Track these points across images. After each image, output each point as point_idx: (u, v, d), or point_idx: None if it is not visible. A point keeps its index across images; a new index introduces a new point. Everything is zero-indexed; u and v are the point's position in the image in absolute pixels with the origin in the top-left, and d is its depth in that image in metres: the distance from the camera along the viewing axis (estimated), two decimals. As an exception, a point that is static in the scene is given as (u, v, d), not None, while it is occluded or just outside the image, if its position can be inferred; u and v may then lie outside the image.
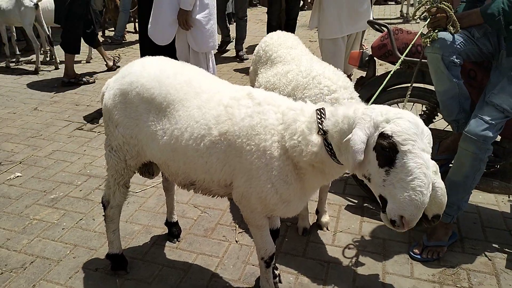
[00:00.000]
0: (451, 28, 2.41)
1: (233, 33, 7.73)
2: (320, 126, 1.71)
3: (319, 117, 1.73)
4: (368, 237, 2.80)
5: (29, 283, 2.43)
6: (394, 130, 1.46)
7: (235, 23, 7.59)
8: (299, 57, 2.73)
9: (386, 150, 1.48)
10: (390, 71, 2.98)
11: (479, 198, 3.15)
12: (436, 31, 2.45)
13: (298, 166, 1.82)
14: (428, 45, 2.45)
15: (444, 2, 2.41)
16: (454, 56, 2.43)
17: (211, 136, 1.89)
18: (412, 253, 2.62)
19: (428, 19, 2.51)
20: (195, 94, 2.00)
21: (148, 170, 2.41)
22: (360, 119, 1.54)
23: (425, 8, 2.51)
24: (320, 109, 1.77)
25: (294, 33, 3.58)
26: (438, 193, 1.89)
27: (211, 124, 1.90)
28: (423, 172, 1.45)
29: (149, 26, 3.80)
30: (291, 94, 2.50)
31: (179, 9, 3.65)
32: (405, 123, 1.48)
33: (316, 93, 2.34)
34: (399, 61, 2.55)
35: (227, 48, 7.96)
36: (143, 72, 2.09)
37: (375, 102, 2.43)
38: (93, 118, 4.82)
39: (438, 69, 2.49)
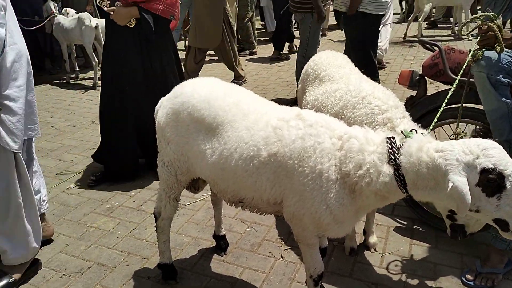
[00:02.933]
0: (498, 47, 2.36)
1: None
2: (392, 157, 1.72)
3: (390, 147, 1.75)
4: (418, 260, 2.74)
5: (86, 287, 2.57)
6: (493, 161, 1.54)
7: None
8: (348, 76, 2.75)
9: (495, 181, 1.55)
10: (442, 90, 2.95)
11: (538, 224, 2.99)
12: (484, 49, 2.41)
13: (356, 192, 1.82)
14: (472, 64, 2.42)
15: (494, 21, 2.37)
16: (501, 75, 2.38)
17: (260, 157, 1.92)
18: (464, 279, 2.52)
19: (478, 37, 2.47)
20: (243, 116, 2.04)
21: (194, 185, 2.49)
22: (448, 165, 1.57)
23: (476, 25, 2.47)
24: (390, 138, 1.78)
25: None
26: None
27: (260, 145, 1.93)
28: None
29: None
30: (340, 112, 2.52)
31: None
32: (494, 151, 1.56)
33: (367, 113, 2.36)
34: (456, 81, 2.51)
35: None
36: (194, 93, 2.17)
37: (427, 123, 2.42)
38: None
39: (485, 88, 2.44)
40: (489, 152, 1.55)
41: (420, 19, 9.75)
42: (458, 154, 1.57)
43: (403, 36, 10.02)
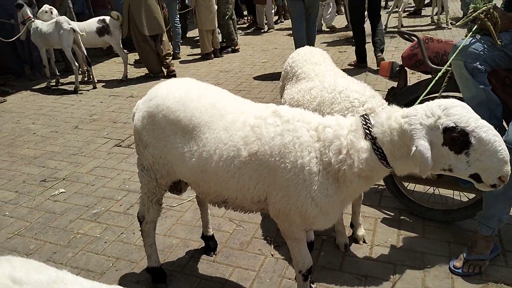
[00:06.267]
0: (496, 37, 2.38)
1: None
2: (368, 132, 1.76)
3: (364, 123, 1.78)
4: (406, 250, 2.76)
5: (75, 295, 2.54)
6: (454, 120, 1.59)
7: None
8: (323, 73, 2.77)
9: (458, 139, 1.59)
10: (422, 80, 2.97)
11: (521, 209, 3.05)
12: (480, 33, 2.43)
13: (340, 179, 1.84)
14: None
15: (496, 9, 2.39)
16: (478, 63, 2.41)
17: (241, 157, 1.92)
18: (452, 267, 2.56)
19: (478, 23, 2.48)
20: (220, 116, 2.02)
21: (176, 187, 2.46)
22: (413, 130, 1.62)
23: (478, 12, 2.46)
24: (364, 115, 1.82)
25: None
26: None
27: (240, 145, 1.92)
28: (494, 134, 1.60)
29: None
30: (317, 109, 2.53)
31: None
32: (455, 109, 1.60)
33: (347, 107, 2.37)
34: (441, 72, 2.52)
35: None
36: (168, 95, 2.14)
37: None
38: (130, 134, 4.99)
39: (463, 76, 2.47)
40: (450, 111, 1.59)
41: (400, 10, 9.82)
42: (421, 118, 1.62)
43: (383, 27, 10.08)
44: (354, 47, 7.25)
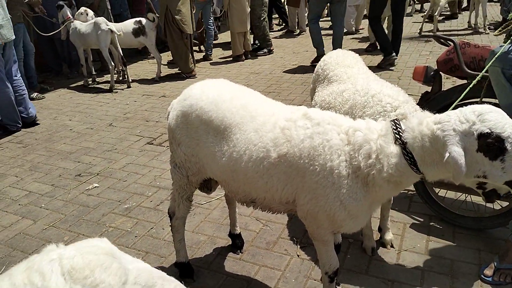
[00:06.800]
0: None
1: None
2: (398, 137, 1.75)
3: (395, 127, 1.77)
4: (435, 257, 2.71)
5: (106, 286, 2.63)
6: (489, 126, 1.56)
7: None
8: (356, 76, 2.75)
9: (494, 145, 1.55)
10: (457, 85, 2.92)
11: (559, 220, 2.94)
12: None
13: (369, 184, 1.83)
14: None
15: None
16: None
17: (270, 158, 1.94)
18: (482, 276, 2.50)
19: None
20: (251, 118, 2.06)
21: (206, 185, 2.52)
22: (446, 136, 1.59)
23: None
24: (395, 120, 1.82)
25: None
26: None
27: (269, 146, 1.95)
28: None
29: None
30: (348, 112, 2.52)
31: None
32: (490, 115, 1.57)
33: (379, 111, 2.35)
34: (477, 77, 2.47)
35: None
36: (202, 95, 2.20)
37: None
38: (162, 133, 5.11)
39: (500, 83, 2.42)
40: (485, 117, 1.56)
41: (435, 14, 9.62)
42: (454, 124, 1.59)
43: (418, 31, 9.90)
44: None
